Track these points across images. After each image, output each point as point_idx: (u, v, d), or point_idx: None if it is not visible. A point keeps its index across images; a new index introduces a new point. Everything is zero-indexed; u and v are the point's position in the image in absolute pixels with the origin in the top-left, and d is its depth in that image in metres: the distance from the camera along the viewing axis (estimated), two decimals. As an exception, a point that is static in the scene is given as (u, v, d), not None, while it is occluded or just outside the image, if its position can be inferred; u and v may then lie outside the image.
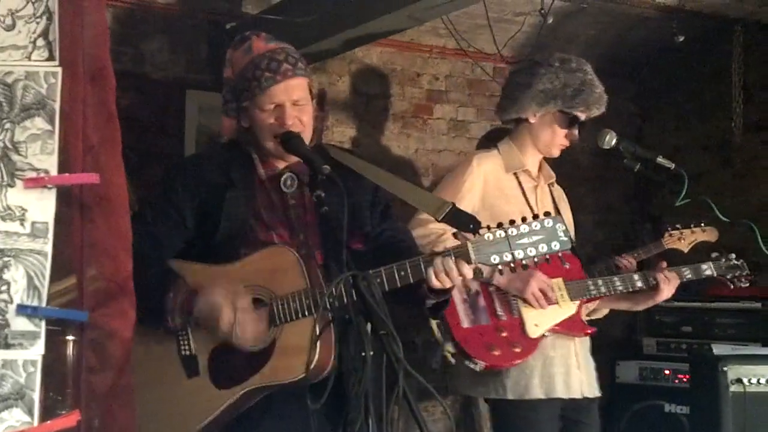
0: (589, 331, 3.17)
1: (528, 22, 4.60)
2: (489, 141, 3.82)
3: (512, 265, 2.11)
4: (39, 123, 1.51)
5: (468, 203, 2.98)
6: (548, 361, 3.03)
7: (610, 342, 5.11)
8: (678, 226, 3.72)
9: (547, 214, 2.12)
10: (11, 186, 1.50)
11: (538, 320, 3.01)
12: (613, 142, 3.35)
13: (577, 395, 3.07)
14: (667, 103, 5.50)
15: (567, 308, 3.06)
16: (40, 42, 1.52)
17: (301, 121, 2.29)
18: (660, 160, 3.35)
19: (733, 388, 3.48)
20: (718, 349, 3.68)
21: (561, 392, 3.02)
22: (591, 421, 3.17)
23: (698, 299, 4.43)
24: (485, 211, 2.99)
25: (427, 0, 3.46)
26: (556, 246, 2.08)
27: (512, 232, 2.09)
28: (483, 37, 4.72)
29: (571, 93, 3.12)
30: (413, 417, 2.06)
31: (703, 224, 3.69)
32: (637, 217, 5.54)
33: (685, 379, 4.04)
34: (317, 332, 2.10)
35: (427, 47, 5.01)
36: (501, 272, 2.75)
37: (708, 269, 3.43)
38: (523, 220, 2.11)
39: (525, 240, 2.08)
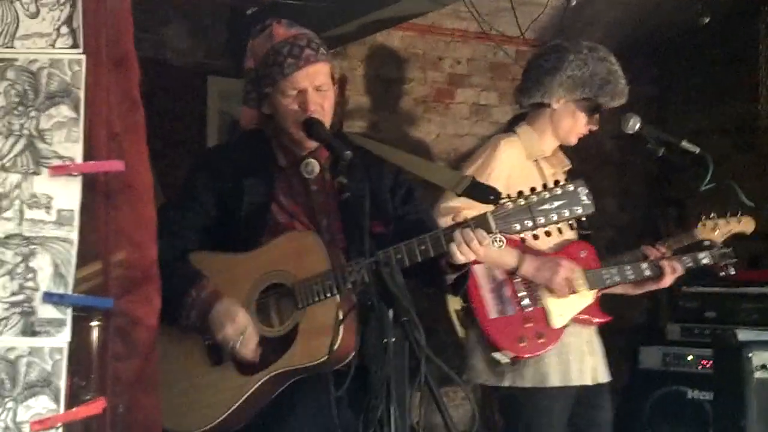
0: (606, 320, 3.17)
1: (551, 4, 4.55)
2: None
3: (535, 233, 2.08)
4: (64, 111, 1.51)
5: None
6: (564, 348, 3.03)
7: (633, 327, 5.09)
8: (713, 215, 3.66)
9: (568, 179, 2.10)
10: (37, 174, 1.50)
11: (561, 310, 3.01)
12: (637, 126, 3.32)
13: (589, 381, 3.08)
14: (688, 86, 5.44)
15: (586, 297, 3.07)
16: (64, 29, 1.52)
17: (323, 107, 2.29)
18: (685, 144, 3.31)
19: (757, 374, 3.46)
20: (743, 334, 3.65)
21: (576, 379, 3.04)
22: (604, 403, 3.18)
23: (722, 284, 4.38)
24: None
25: (449, -17, 3.44)
26: (578, 210, 2.05)
27: (533, 199, 2.06)
28: (505, 20, 4.68)
29: (599, 82, 3.09)
30: (434, 403, 2.06)
31: (739, 213, 3.63)
32: (659, 201, 5.50)
33: (708, 365, 4.00)
34: (341, 315, 2.11)
35: (449, 30, 4.98)
36: (523, 240, 2.61)
37: (705, 257, 3.41)
38: (544, 186, 2.08)
39: (546, 206, 2.05)
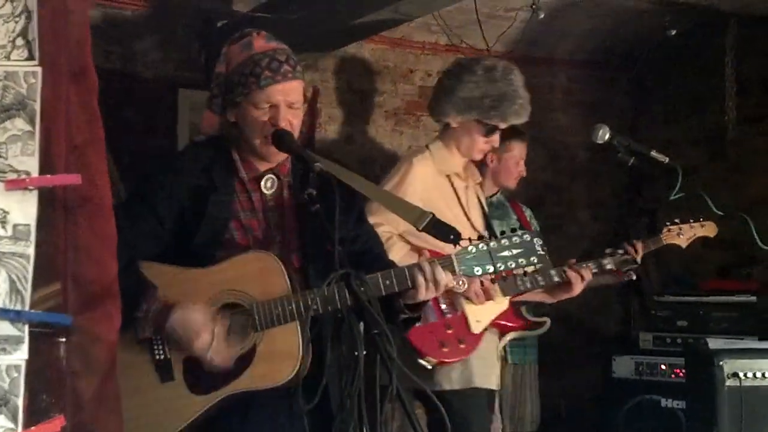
0: (519, 324, 3.40)
1: (520, 17, 4.59)
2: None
3: (493, 277, 2.20)
4: (19, 124, 1.48)
5: None
6: (482, 353, 3.23)
7: (606, 337, 5.11)
8: (677, 221, 3.73)
9: (523, 229, 2.23)
10: (-8, 188, 1.47)
11: (479, 316, 3.19)
12: (607, 136, 3.37)
13: (495, 387, 3.32)
14: (660, 97, 5.49)
15: (501, 304, 3.26)
16: (20, 41, 1.49)
17: (292, 124, 2.27)
18: (654, 154, 3.36)
19: (729, 383, 3.47)
20: (714, 343, 3.67)
21: (491, 383, 3.27)
22: (496, 411, 3.44)
23: (693, 293, 4.42)
24: None
25: (418, -5, 3.45)
26: (534, 260, 2.18)
27: (493, 245, 2.18)
28: (475, 32, 4.71)
29: (489, 104, 3.22)
30: (406, 416, 2.05)
31: (701, 219, 3.70)
32: (630, 211, 5.54)
33: (681, 374, 4.03)
34: (302, 337, 2.12)
35: (419, 43, 4.99)
36: (482, 283, 3.01)
37: (609, 263, 3.55)
38: (502, 233, 2.21)
39: (506, 253, 2.17)
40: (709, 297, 4.30)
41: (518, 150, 3.93)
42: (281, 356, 2.12)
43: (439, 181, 3.27)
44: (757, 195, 4.79)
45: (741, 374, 3.45)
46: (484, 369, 3.21)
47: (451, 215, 3.22)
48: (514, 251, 2.17)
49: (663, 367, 4.20)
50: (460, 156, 3.33)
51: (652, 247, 3.72)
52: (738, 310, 4.21)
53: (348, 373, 2.09)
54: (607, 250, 3.61)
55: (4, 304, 1.45)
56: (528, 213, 4.11)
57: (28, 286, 1.46)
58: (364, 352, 2.06)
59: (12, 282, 1.46)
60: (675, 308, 4.33)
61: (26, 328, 1.47)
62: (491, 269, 2.17)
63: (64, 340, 1.56)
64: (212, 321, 2.11)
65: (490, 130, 3.25)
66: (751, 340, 3.97)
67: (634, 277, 3.62)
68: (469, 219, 3.31)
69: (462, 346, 3.12)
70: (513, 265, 2.18)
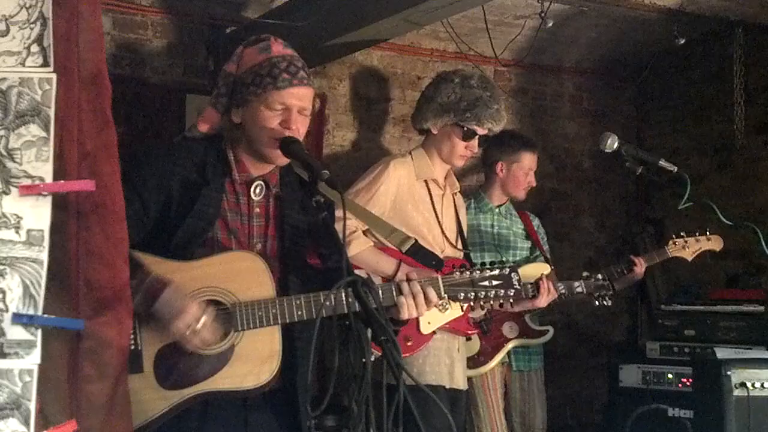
0: (473, 332, 3.49)
1: (528, 25, 4.59)
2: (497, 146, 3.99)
3: (472, 304, 2.39)
4: (34, 130, 1.49)
5: (380, 206, 3.25)
6: (436, 353, 3.30)
7: (613, 346, 5.09)
8: (683, 234, 3.73)
9: (502, 263, 2.39)
10: (6, 194, 1.48)
11: (430, 318, 3.24)
12: (615, 145, 3.36)
13: (459, 386, 3.39)
14: (666, 106, 5.48)
15: (456, 310, 3.31)
16: (35, 48, 1.50)
17: (299, 131, 2.28)
18: (662, 163, 3.34)
19: (736, 392, 3.46)
20: (722, 352, 3.66)
21: (446, 382, 3.32)
22: (461, 411, 3.49)
23: (701, 302, 4.41)
24: (394, 214, 3.28)
25: (426, 3, 3.45)
26: (511, 292, 2.36)
27: (476, 274, 2.35)
28: (483, 40, 4.71)
29: (464, 107, 3.36)
30: (414, 420, 2.05)
31: (708, 232, 3.69)
32: (637, 220, 5.53)
33: (688, 383, 4.02)
34: (283, 343, 2.14)
35: (428, 50, 5.00)
36: (462, 308, 3.18)
37: (579, 287, 3.63)
38: (483, 264, 2.38)
39: (486, 283, 2.35)
40: (717, 306, 4.28)
41: (528, 161, 3.95)
42: (260, 359, 2.13)
43: (415, 186, 3.38)
44: (765, 204, 4.78)
45: (748, 384, 3.44)
46: (436, 366, 3.29)
47: (420, 218, 3.34)
48: (494, 282, 2.35)
49: (670, 376, 4.18)
50: (441, 163, 3.44)
51: (657, 260, 3.73)
52: (746, 320, 4.19)
53: (355, 380, 2.09)
54: (584, 274, 3.69)
55: (18, 309, 1.46)
56: (536, 222, 4.11)
57: (42, 291, 1.47)
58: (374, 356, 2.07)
59: (25, 287, 1.46)
60: (682, 317, 4.32)
61: (39, 332, 1.48)
62: (472, 296, 2.33)
63: (74, 345, 1.56)
64: (200, 307, 2.09)
65: (468, 135, 3.37)
66: (758, 349, 3.95)
67: (608, 303, 3.69)
68: (440, 224, 3.41)
69: (408, 344, 3.21)
70: (492, 294, 2.34)
